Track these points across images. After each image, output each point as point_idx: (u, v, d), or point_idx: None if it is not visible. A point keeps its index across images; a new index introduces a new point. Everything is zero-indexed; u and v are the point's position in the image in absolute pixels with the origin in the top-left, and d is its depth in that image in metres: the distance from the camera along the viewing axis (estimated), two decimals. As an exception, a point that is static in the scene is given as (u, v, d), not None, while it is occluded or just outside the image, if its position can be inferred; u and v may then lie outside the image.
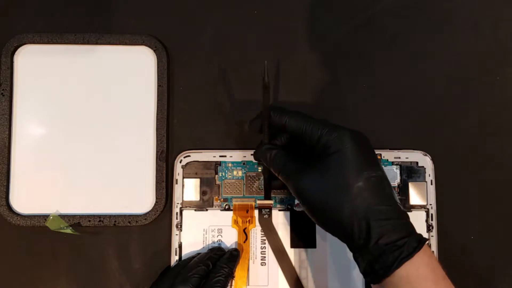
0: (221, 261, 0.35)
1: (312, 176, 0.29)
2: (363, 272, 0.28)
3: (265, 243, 0.38)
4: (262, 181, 0.38)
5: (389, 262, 0.27)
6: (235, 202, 0.38)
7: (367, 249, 0.27)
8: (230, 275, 0.35)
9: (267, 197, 0.37)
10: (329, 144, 0.29)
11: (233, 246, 0.38)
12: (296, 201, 0.38)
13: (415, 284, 0.27)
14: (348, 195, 0.28)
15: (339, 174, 0.28)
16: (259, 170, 0.39)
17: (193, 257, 0.36)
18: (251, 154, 0.38)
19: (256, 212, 0.38)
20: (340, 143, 0.29)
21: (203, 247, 0.38)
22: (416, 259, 0.27)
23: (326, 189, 0.28)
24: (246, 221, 0.38)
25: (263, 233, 0.38)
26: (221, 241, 0.38)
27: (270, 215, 0.38)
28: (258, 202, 0.38)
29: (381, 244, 0.27)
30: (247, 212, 0.38)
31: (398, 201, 0.29)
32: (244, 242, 0.38)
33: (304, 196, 0.30)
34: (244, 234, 0.38)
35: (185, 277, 0.33)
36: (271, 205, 0.38)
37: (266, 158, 0.32)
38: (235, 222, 0.38)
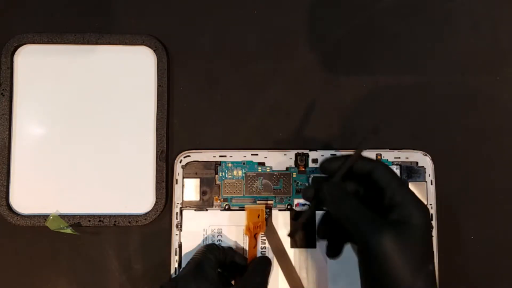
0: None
1: (391, 235, 0.27)
2: None
3: (265, 243, 0.38)
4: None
5: None
6: (247, 206, 0.38)
7: None
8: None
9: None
10: (403, 220, 0.28)
11: (233, 246, 0.38)
12: (296, 201, 0.38)
13: None
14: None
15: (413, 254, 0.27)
16: (259, 170, 0.38)
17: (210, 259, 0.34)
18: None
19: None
20: (412, 226, 0.27)
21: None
22: None
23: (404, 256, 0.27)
24: (257, 226, 0.37)
25: (263, 233, 0.38)
26: (221, 241, 0.38)
27: (270, 215, 0.38)
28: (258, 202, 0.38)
29: None
30: (258, 217, 0.38)
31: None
32: (254, 247, 0.37)
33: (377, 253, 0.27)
34: (254, 239, 0.37)
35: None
36: (271, 205, 0.38)
37: (333, 194, 0.30)
38: (248, 229, 0.37)
